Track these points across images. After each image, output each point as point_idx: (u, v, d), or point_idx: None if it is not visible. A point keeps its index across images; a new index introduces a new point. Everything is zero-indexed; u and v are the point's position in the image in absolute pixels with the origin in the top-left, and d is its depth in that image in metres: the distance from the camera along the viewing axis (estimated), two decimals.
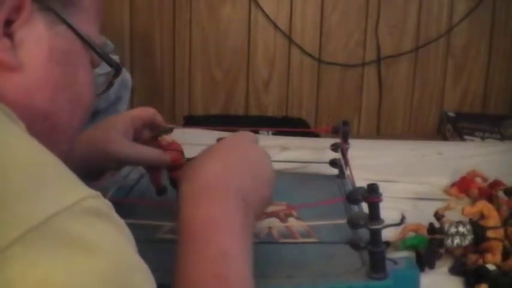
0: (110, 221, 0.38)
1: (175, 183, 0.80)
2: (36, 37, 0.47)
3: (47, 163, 0.39)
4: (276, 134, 1.60)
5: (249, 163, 0.62)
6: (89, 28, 0.53)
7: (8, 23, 0.46)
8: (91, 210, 0.37)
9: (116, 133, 0.75)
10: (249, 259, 0.54)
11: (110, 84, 0.61)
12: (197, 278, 0.51)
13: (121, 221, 0.40)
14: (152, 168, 0.82)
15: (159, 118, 0.83)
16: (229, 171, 0.60)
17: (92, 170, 0.72)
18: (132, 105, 1.92)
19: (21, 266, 0.33)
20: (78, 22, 0.51)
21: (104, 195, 0.40)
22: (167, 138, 0.81)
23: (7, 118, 0.42)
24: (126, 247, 0.38)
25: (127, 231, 0.40)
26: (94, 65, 0.55)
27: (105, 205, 0.39)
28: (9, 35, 0.46)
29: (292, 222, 0.74)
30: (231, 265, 0.52)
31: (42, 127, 0.49)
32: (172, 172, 0.80)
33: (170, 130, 0.82)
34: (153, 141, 0.82)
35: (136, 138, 0.79)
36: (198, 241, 0.53)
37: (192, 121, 1.87)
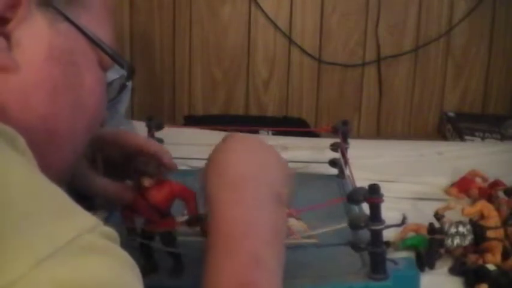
0: (107, 256, 0.35)
1: (127, 225, 0.67)
2: (35, 35, 0.45)
3: (41, 194, 0.36)
4: (276, 134, 1.60)
5: (270, 156, 0.59)
6: (98, 27, 0.50)
7: (4, 21, 0.43)
8: (85, 248, 0.34)
9: (81, 163, 0.64)
10: (280, 264, 0.52)
11: (123, 87, 0.57)
12: (226, 284, 0.48)
13: (122, 252, 0.37)
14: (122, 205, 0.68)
15: (152, 147, 0.68)
16: (258, 165, 0.57)
17: None
18: (132, 105, 1.93)
19: None
20: (85, 20, 0.48)
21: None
22: (147, 181, 0.65)
23: (5, 144, 0.38)
24: (125, 282, 0.35)
25: (129, 261, 0.37)
26: (104, 67, 0.51)
27: (102, 238, 0.36)
28: (6, 34, 0.43)
29: (292, 222, 0.74)
30: (263, 272, 0.50)
31: (41, 131, 0.46)
32: (126, 210, 0.67)
33: (155, 170, 0.67)
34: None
35: (109, 164, 0.68)
36: (229, 245, 0.51)
37: (192, 121, 1.86)
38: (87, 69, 0.49)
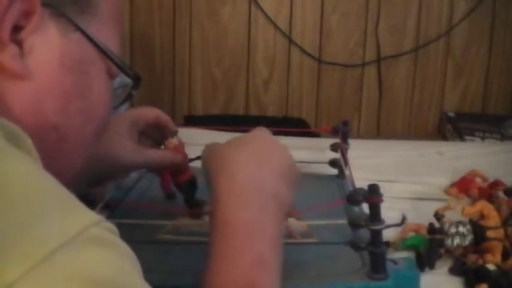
0: (113, 248, 0.37)
1: (181, 187, 0.80)
2: (47, 44, 0.45)
3: (47, 190, 0.37)
4: (276, 134, 1.60)
5: (280, 164, 0.61)
6: (107, 36, 0.51)
7: (17, 29, 0.44)
8: (93, 239, 0.36)
9: (120, 137, 0.72)
10: (279, 264, 0.54)
11: (128, 96, 0.59)
12: (230, 284, 0.50)
13: (125, 246, 0.38)
14: (162, 172, 0.81)
15: (163, 118, 0.79)
16: (265, 173, 0.58)
17: (95, 176, 0.68)
18: (132, 105, 1.93)
19: None
20: (95, 30, 0.49)
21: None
22: (173, 141, 0.79)
23: (4, 141, 0.39)
24: (130, 274, 0.37)
25: (131, 255, 0.39)
26: (112, 76, 0.53)
27: (107, 231, 0.37)
28: (18, 42, 0.44)
29: (291, 222, 0.74)
30: (266, 273, 0.52)
31: (51, 138, 0.47)
32: (177, 176, 0.80)
33: (175, 132, 0.80)
34: (157, 144, 0.80)
35: (142, 139, 0.77)
36: (236, 246, 0.52)
37: (192, 121, 1.87)
38: (96, 77, 0.50)
